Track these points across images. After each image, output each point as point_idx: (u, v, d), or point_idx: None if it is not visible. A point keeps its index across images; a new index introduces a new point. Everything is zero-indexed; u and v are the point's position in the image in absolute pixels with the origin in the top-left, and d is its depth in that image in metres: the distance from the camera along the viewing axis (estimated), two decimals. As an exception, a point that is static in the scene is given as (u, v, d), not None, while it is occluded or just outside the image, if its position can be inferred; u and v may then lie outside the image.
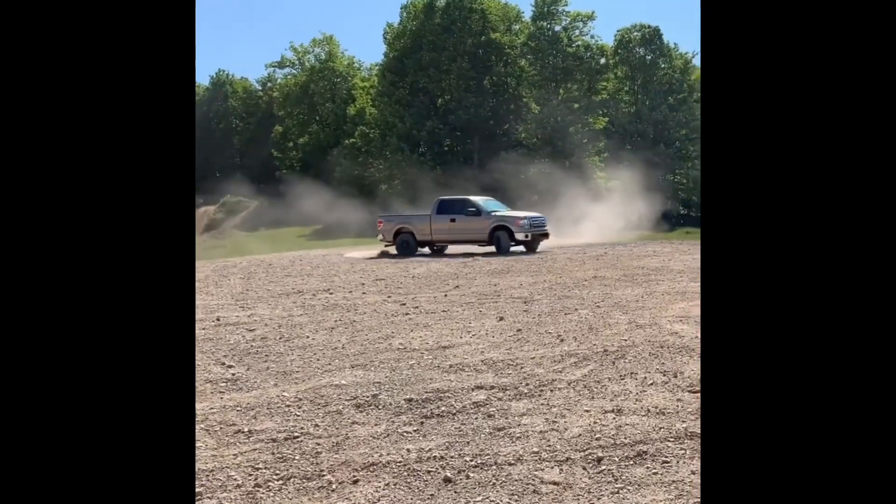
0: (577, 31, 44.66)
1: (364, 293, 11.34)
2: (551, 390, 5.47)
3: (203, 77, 65.37)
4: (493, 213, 20.90)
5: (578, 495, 3.54)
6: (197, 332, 8.61)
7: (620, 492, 3.52)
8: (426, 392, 5.53)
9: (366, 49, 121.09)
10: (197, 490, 3.86)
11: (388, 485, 3.79)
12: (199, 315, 9.78)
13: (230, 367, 6.80)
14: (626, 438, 4.30)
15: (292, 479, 3.97)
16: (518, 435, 4.45)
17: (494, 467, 3.93)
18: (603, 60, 45.45)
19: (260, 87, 59.18)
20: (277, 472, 4.09)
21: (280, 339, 7.99)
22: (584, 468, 3.89)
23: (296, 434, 4.73)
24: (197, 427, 4.96)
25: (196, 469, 4.15)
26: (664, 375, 5.82)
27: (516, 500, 3.47)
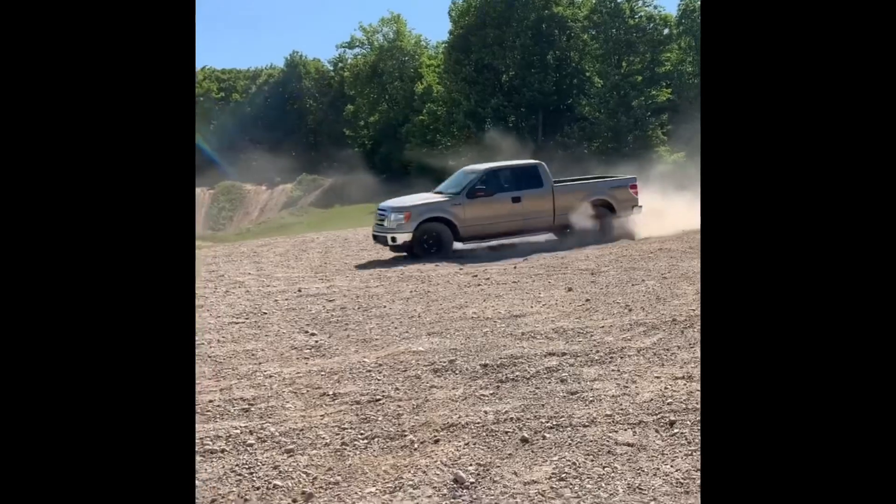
0: (639, 3, 43.55)
1: (437, 265, 11.44)
2: (621, 357, 5.48)
3: (278, 59, 66.11)
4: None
5: (653, 456, 3.56)
6: (280, 302, 8.85)
7: (694, 454, 3.53)
8: (500, 358, 5.59)
9: (432, 27, 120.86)
10: (289, 447, 4.02)
11: (467, 444, 3.87)
12: (281, 287, 10.03)
13: (313, 334, 6.97)
14: (697, 404, 4.29)
15: (376, 439, 4.09)
16: (591, 399, 4.49)
17: (570, 429, 3.98)
18: (666, 31, 44.24)
19: (332, 68, 59.59)
20: (362, 432, 4.22)
21: (358, 308, 8.15)
22: (657, 431, 3.91)
23: (378, 397, 4.85)
24: (285, 390, 5.13)
25: (287, 428, 4.31)
26: (733, 343, 5.75)
27: (592, 460, 3.52)
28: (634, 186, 14.33)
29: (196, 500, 3.41)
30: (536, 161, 14.52)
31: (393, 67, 51.23)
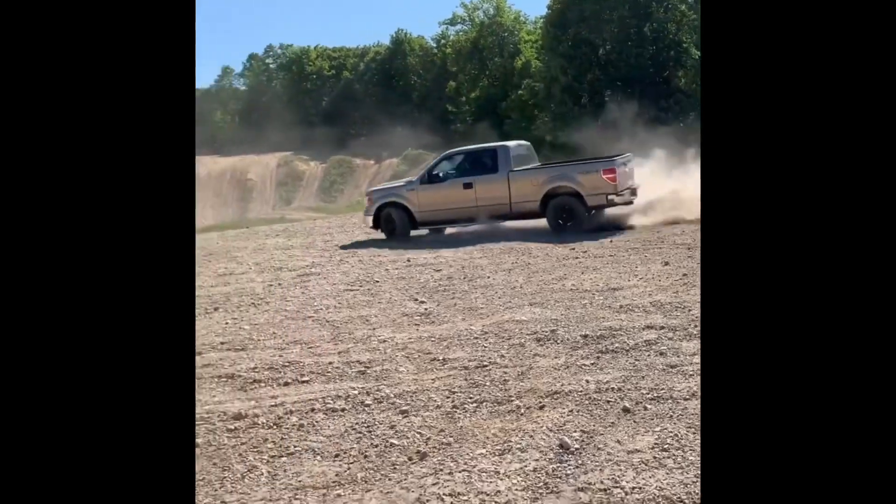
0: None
1: (537, 239, 11.42)
2: (721, 331, 5.37)
3: (385, 37, 66.67)
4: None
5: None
6: (391, 271, 9.06)
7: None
8: (600, 329, 5.59)
9: (531, 2, 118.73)
10: (403, 408, 4.17)
11: (571, 412, 3.92)
12: (392, 256, 10.26)
13: (422, 302, 7.13)
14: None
15: (485, 403, 4.18)
16: (691, 373, 4.44)
17: (670, 401, 3.97)
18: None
19: (434, 45, 59.65)
20: (471, 395, 4.32)
21: (464, 278, 8.26)
22: (757, 405, 3.85)
23: (484, 363, 4.94)
24: (398, 354, 5.29)
25: (400, 390, 4.46)
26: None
27: (694, 433, 3.50)
28: (610, 171, 11.58)
29: (320, 455, 3.60)
30: (499, 144, 13.13)
31: (493, 44, 50.88)
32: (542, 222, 11.99)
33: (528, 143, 14.11)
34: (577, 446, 3.43)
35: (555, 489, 3.02)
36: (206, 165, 46.52)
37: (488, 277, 8.24)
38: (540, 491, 3.02)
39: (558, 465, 3.25)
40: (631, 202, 12.11)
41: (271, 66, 65.75)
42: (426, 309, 6.81)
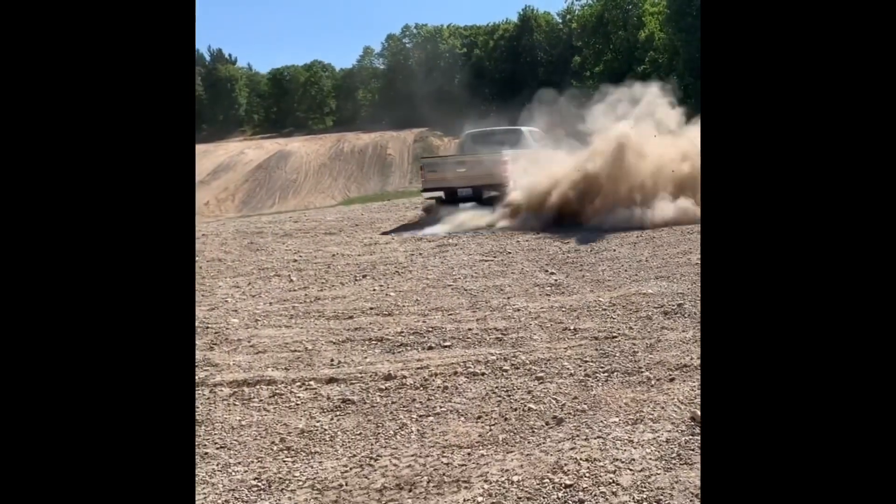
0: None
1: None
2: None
3: (513, 13, 65.70)
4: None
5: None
6: (521, 243, 9.07)
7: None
8: (728, 304, 5.38)
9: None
10: (539, 375, 4.20)
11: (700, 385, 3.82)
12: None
13: (552, 273, 7.11)
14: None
15: (615, 373, 4.15)
16: (823, 349, 4.22)
17: (802, 378, 3.79)
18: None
19: (560, 21, 58.31)
20: (602, 365, 4.30)
21: (591, 251, 8.16)
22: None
23: (614, 334, 4.89)
24: (532, 323, 5.32)
25: (535, 358, 4.49)
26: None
27: (827, 411, 3.34)
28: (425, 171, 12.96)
29: (464, 417, 3.69)
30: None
31: (617, 17, 49.11)
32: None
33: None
34: (708, 420, 3.35)
35: (688, 461, 2.97)
36: (351, 141, 47.85)
37: (614, 250, 8.10)
38: (673, 461, 2.98)
39: (690, 437, 3.19)
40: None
41: (408, 45, 66.42)
42: (556, 280, 6.79)
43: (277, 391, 4.25)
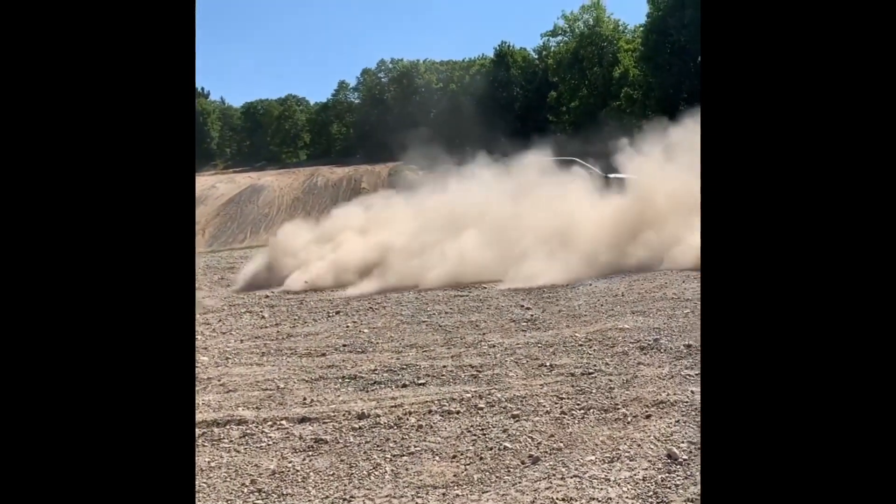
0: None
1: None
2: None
3: (489, 49, 66.72)
4: None
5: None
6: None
7: None
8: (704, 339, 5.44)
9: (631, 12, 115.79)
10: (514, 413, 4.20)
11: (678, 422, 3.85)
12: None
13: (528, 308, 7.15)
14: None
15: (592, 410, 4.16)
16: (798, 385, 4.28)
17: (778, 414, 3.83)
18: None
19: (536, 56, 59.27)
20: (578, 402, 4.31)
21: (567, 286, 8.22)
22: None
23: (590, 370, 4.92)
24: (508, 359, 5.33)
25: (511, 395, 4.50)
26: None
27: (802, 447, 3.38)
28: None
29: (439, 456, 3.68)
30: None
31: (592, 53, 50.09)
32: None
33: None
34: (684, 457, 3.37)
35: (664, 499, 2.98)
36: (325, 175, 47.90)
37: (590, 284, 8.17)
38: (650, 500, 2.99)
39: (667, 475, 3.21)
40: None
41: (383, 79, 67.01)
42: (532, 315, 6.83)
43: (248, 431, 4.20)
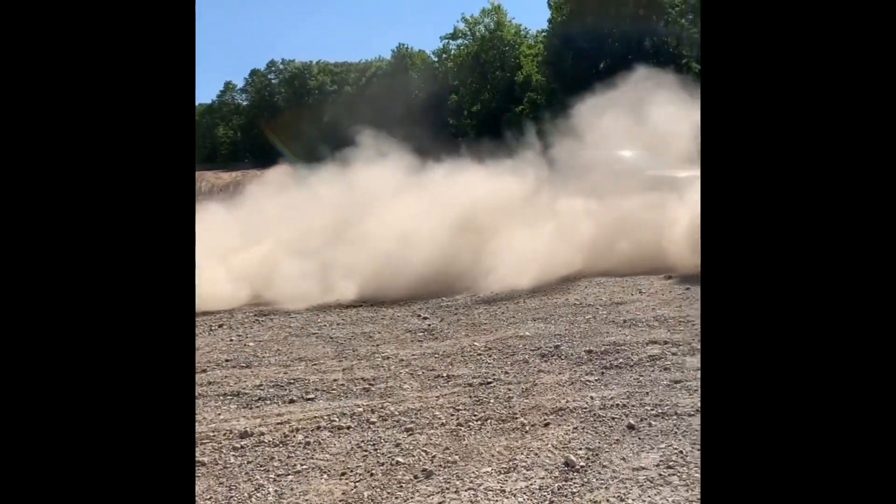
0: (740, -14, 41.68)
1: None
2: (724, 346, 5.39)
3: (386, 51, 66.93)
4: None
5: (757, 447, 3.53)
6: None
7: (798, 445, 3.48)
8: (604, 345, 5.60)
9: (532, 16, 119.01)
10: (408, 426, 4.18)
11: (576, 429, 3.93)
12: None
13: (425, 318, 7.15)
14: (801, 395, 4.20)
15: (489, 421, 4.19)
16: (695, 388, 4.46)
17: (675, 417, 3.98)
18: (767, 15, 42.08)
19: (436, 59, 59.85)
20: (475, 413, 4.34)
21: (467, 294, 8.28)
22: (762, 421, 3.86)
23: (489, 380, 4.96)
24: (402, 371, 5.31)
25: (405, 408, 4.48)
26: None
27: (699, 450, 3.52)
28: None
29: (327, 474, 3.61)
30: None
31: (494, 57, 51.08)
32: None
33: None
34: (582, 464, 3.44)
35: (561, 507, 3.03)
36: (209, 180, 46.63)
37: (491, 292, 8.26)
38: (546, 509, 3.03)
39: (564, 483, 3.26)
40: None
41: (273, 81, 66.00)
42: (429, 325, 6.84)
43: (113, 456, 4.00)
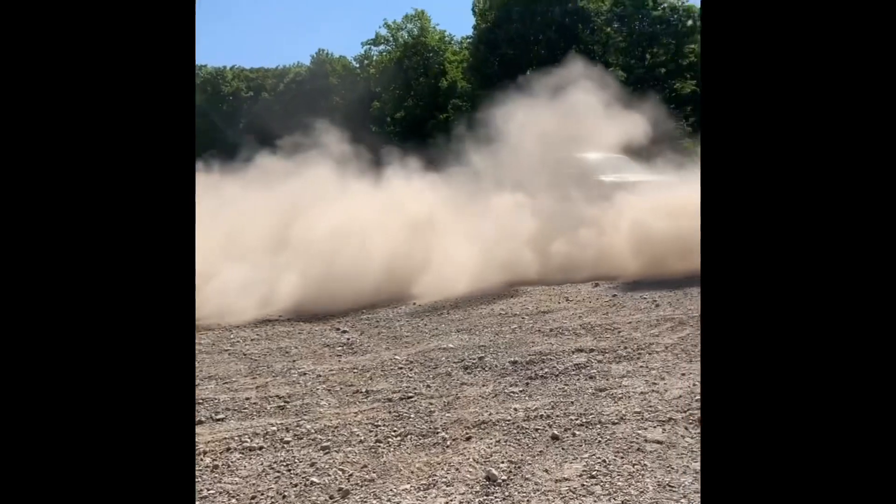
0: (663, -7, 43.10)
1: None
2: (649, 353, 5.47)
3: (305, 57, 66.40)
4: None
5: (682, 454, 3.57)
6: (312, 299, 8.93)
7: (722, 451, 3.53)
8: (529, 354, 5.61)
9: (456, 23, 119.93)
10: (325, 444, 4.07)
11: (498, 442, 3.90)
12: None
13: (344, 332, 7.04)
14: (724, 399, 4.28)
15: (409, 436, 4.12)
16: (620, 396, 4.49)
17: (599, 426, 3.99)
18: (690, 22, 43.63)
19: (357, 65, 59.68)
20: (395, 429, 4.26)
21: (388, 307, 8.20)
22: (686, 428, 3.91)
23: (409, 394, 4.89)
24: (319, 387, 5.19)
25: (322, 426, 4.37)
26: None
27: (622, 458, 3.53)
28: None
29: (235, 498, 3.48)
30: None
31: (417, 64, 51.23)
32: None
33: None
34: (504, 477, 3.40)
35: (481, 524, 2.98)
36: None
37: (413, 303, 8.20)
38: (466, 527, 2.98)
39: (485, 497, 3.22)
40: None
41: (185, 86, 64.58)
42: (348, 339, 6.73)
43: None
